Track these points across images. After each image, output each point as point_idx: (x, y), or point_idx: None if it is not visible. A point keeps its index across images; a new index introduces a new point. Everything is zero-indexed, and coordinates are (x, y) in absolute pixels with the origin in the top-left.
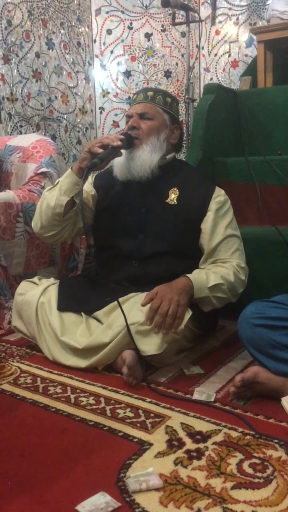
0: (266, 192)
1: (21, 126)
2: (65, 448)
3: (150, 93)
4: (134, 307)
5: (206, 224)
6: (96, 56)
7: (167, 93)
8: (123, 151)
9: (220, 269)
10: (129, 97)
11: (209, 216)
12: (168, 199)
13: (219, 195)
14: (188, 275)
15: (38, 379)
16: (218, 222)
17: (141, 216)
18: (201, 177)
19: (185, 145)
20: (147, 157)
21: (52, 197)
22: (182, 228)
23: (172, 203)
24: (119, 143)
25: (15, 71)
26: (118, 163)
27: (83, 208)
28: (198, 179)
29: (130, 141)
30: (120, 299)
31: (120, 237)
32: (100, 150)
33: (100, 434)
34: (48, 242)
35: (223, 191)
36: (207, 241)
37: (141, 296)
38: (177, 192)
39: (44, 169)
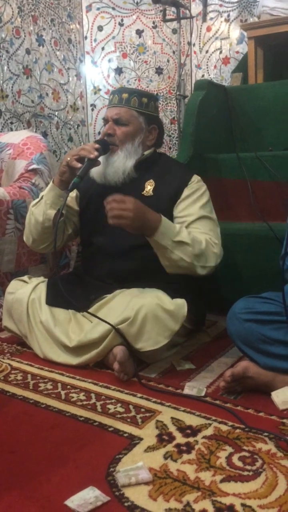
0: (257, 188)
1: (11, 123)
2: (55, 443)
3: (125, 95)
4: (123, 304)
5: (178, 209)
6: (87, 53)
7: (143, 93)
8: (100, 158)
9: (195, 234)
10: None
11: (181, 201)
12: (144, 191)
13: (193, 182)
14: (164, 218)
15: (29, 375)
16: (191, 204)
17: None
18: (179, 167)
19: (177, 142)
20: (121, 163)
21: (39, 212)
22: None
23: (148, 194)
24: (96, 153)
25: (6, 67)
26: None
27: (68, 214)
28: (175, 169)
29: (106, 147)
30: (107, 297)
31: (99, 233)
32: (79, 165)
33: (90, 429)
34: (43, 252)
35: (198, 178)
36: (180, 222)
37: (128, 293)
38: (153, 183)
39: (34, 166)
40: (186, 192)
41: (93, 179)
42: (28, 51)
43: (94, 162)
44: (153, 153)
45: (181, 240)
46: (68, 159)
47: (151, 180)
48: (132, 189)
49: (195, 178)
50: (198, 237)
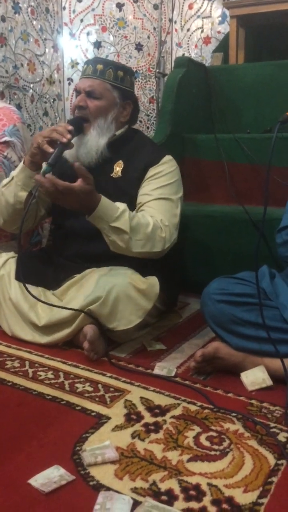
0: (234, 170)
1: None
2: (21, 422)
3: (99, 66)
4: (93, 282)
5: (141, 187)
6: (65, 24)
7: (119, 65)
8: (73, 139)
9: (142, 218)
10: None
11: (145, 180)
12: (113, 173)
13: (162, 163)
14: (103, 200)
15: None
16: (152, 183)
17: None
18: (151, 147)
19: (155, 122)
20: (94, 142)
21: (10, 193)
22: (125, 201)
23: (116, 176)
24: (69, 136)
25: None
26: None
27: (40, 195)
28: (146, 149)
29: (79, 127)
30: (78, 276)
31: (69, 216)
32: (50, 150)
33: (57, 408)
34: (15, 233)
35: (169, 158)
36: (139, 203)
37: (98, 271)
38: (122, 164)
39: (7, 138)
40: (151, 171)
41: (64, 159)
42: (3, 19)
43: (66, 146)
44: (127, 131)
45: (117, 227)
46: (40, 141)
47: (120, 161)
48: (102, 171)
49: (166, 158)
50: (144, 221)
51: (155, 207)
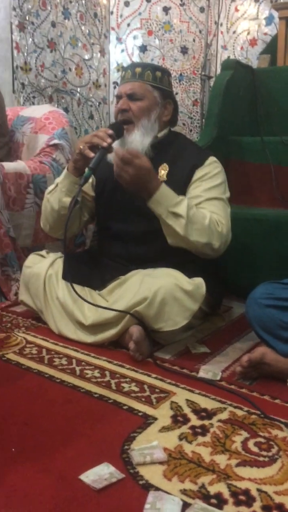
0: (280, 173)
1: (34, 97)
2: (70, 418)
3: (138, 70)
4: (139, 283)
5: (189, 190)
6: (113, 29)
7: (157, 66)
8: (115, 143)
9: (199, 210)
10: None
11: (193, 183)
12: (158, 176)
13: (207, 164)
14: (164, 186)
15: (44, 350)
16: (201, 185)
17: (133, 197)
18: (194, 149)
19: (198, 124)
20: (139, 142)
21: (55, 199)
22: None
23: (162, 179)
24: (109, 141)
25: (30, 40)
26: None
27: (84, 200)
28: (190, 152)
29: (120, 132)
30: (123, 277)
31: (114, 219)
32: (91, 154)
33: (104, 406)
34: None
35: (214, 159)
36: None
37: (144, 272)
38: (167, 167)
39: (56, 141)
40: (198, 173)
41: (109, 162)
42: (53, 24)
43: (107, 150)
44: (169, 134)
45: (175, 212)
46: (81, 147)
47: (165, 164)
48: None
49: (210, 159)
50: (201, 214)
51: (208, 207)
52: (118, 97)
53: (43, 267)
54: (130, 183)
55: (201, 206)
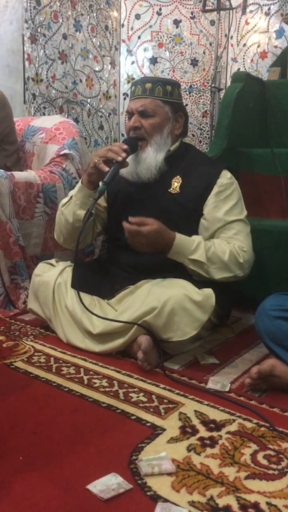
0: None
1: (44, 107)
2: (78, 427)
3: (148, 85)
4: (148, 293)
5: (207, 208)
6: (123, 41)
7: (167, 80)
8: (129, 158)
9: (218, 246)
10: None
11: (210, 200)
12: (171, 188)
13: (222, 179)
14: (178, 236)
15: (52, 359)
16: (219, 206)
17: (145, 209)
18: (208, 162)
19: (208, 136)
20: (152, 158)
21: (69, 212)
22: (184, 216)
23: (175, 192)
24: (124, 155)
25: (42, 51)
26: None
27: (97, 211)
28: (203, 164)
29: (134, 146)
30: (132, 286)
31: (123, 229)
32: (106, 169)
33: (112, 416)
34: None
35: (229, 174)
36: (207, 227)
37: (153, 282)
38: (180, 180)
39: (66, 151)
40: (215, 189)
41: (121, 176)
42: (65, 36)
43: (121, 165)
44: (180, 146)
45: (195, 259)
46: (96, 160)
47: (178, 177)
48: (159, 187)
49: (225, 174)
50: (220, 250)
51: (230, 233)
52: (130, 113)
53: (52, 275)
54: (146, 250)
55: (221, 234)
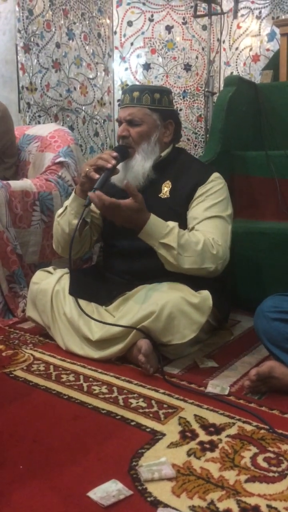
0: (285, 186)
1: (39, 116)
2: (77, 435)
3: (136, 94)
4: (146, 297)
5: (190, 207)
6: (116, 48)
7: (155, 88)
8: (120, 165)
9: (192, 235)
10: None
11: (194, 199)
12: (161, 193)
13: (210, 181)
14: (152, 218)
15: (51, 366)
16: (201, 203)
17: None
18: (198, 166)
19: (203, 140)
20: (140, 166)
21: (65, 222)
22: (175, 220)
23: (165, 196)
24: (113, 162)
25: (35, 60)
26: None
27: (93, 219)
28: (193, 169)
29: (124, 154)
30: (129, 293)
31: (119, 236)
32: (96, 176)
33: (112, 422)
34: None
35: (217, 175)
36: (188, 222)
37: (149, 287)
38: (170, 184)
39: (61, 159)
40: (199, 191)
41: (113, 183)
42: (58, 45)
43: (112, 172)
44: (171, 151)
45: (165, 243)
46: (87, 169)
47: (168, 182)
48: (150, 192)
49: (213, 176)
50: (194, 239)
51: (207, 226)
52: (119, 122)
53: (50, 283)
54: (119, 222)
55: (199, 227)
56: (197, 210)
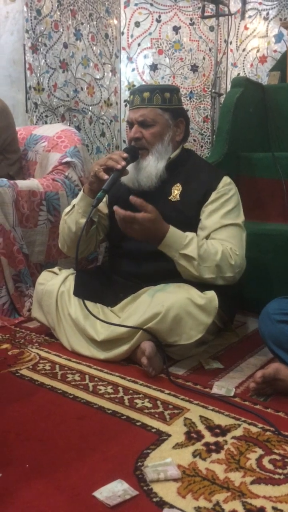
0: None
1: (46, 116)
2: (83, 434)
3: (146, 94)
4: (153, 298)
5: (204, 213)
6: (123, 49)
7: (164, 87)
8: (130, 165)
9: (211, 245)
10: None
11: (208, 204)
12: (171, 196)
13: (221, 184)
14: (171, 229)
15: (57, 366)
16: (215, 210)
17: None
18: (208, 169)
19: (209, 140)
20: (153, 167)
21: (72, 221)
22: (184, 223)
23: (175, 199)
24: (123, 163)
25: (43, 61)
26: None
27: (99, 219)
28: (204, 172)
29: (135, 154)
30: (134, 294)
31: (126, 238)
32: (106, 177)
33: (118, 422)
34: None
35: (228, 180)
36: (202, 229)
37: (155, 288)
38: (180, 187)
39: (68, 159)
40: (213, 196)
41: (122, 183)
42: (65, 45)
43: (121, 173)
44: (181, 152)
45: (186, 254)
46: (96, 169)
47: (178, 184)
48: (160, 194)
49: (225, 180)
50: (213, 249)
51: (223, 235)
52: (130, 123)
53: (55, 284)
54: (138, 237)
55: (215, 236)
56: (213, 218)
